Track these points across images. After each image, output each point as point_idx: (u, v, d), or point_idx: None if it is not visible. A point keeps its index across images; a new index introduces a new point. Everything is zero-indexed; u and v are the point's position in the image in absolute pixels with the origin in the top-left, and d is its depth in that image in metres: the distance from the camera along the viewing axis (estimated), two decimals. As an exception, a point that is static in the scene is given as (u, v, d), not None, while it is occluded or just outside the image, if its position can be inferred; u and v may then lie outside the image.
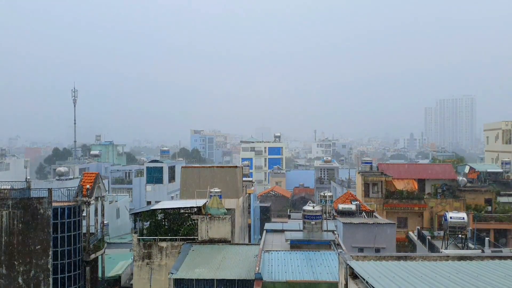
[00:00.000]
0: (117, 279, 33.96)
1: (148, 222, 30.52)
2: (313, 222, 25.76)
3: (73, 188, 31.31)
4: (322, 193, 42.09)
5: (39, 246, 27.38)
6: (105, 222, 35.93)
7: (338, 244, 26.30)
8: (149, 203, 54.46)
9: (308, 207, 26.43)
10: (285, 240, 26.35)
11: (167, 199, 55.22)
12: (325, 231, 26.59)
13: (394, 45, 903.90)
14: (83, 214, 30.31)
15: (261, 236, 30.55)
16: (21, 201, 27.56)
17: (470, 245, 33.33)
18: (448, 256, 13.00)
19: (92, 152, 77.37)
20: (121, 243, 44.74)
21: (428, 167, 52.14)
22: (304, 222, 26.28)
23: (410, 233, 41.71)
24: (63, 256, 27.82)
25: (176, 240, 28.82)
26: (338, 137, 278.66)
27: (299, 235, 26.44)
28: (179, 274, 23.06)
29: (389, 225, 34.23)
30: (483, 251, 29.98)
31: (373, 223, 33.62)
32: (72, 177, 52.56)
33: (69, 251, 28.09)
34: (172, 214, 30.36)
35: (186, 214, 30.46)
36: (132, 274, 30.39)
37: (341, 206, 37.88)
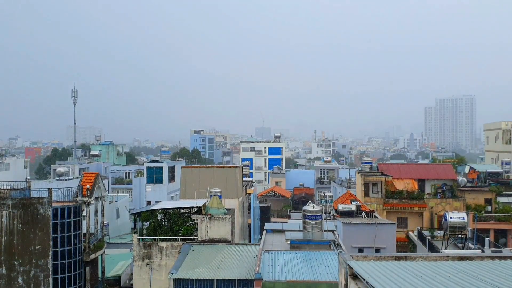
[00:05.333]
0: (117, 279, 33.94)
1: (148, 222, 30.52)
2: (313, 222, 25.74)
3: (73, 188, 31.31)
4: (322, 193, 42.08)
5: (39, 246, 27.37)
6: (105, 222, 35.92)
7: (338, 244, 26.30)
8: (149, 203, 54.44)
9: (308, 207, 26.41)
10: (285, 240, 26.35)
11: (167, 199, 55.21)
12: (325, 231, 26.57)
13: (394, 46, 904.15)
14: (83, 214, 30.31)
15: (261, 236, 30.55)
16: (21, 201, 27.55)
17: (470, 245, 33.32)
18: (448, 256, 12.99)
19: (92, 152, 77.30)
20: (121, 243, 44.72)
21: (428, 167, 52.09)
22: (304, 222, 26.26)
23: (410, 233, 41.70)
24: (63, 256, 27.81)
25: (176, 240, 28.82)
26: (338, 137, 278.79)
27: (299, 235, 26.43)
28: (179, 274, 23.06)
29: (389, 225, 34.21)
30: (483, 251, 29.98)
31: (373, 223, 33.61)
32: (72, 177, 52.51)
33: (69, 251, 28.07)
34: (172, 214, 30.36)
35: (186, 214, 30.46)
36: (132, 274, 30.39)
37: (341, 206, 37.86)
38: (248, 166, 66.38)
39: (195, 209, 30.25)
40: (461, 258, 12.84)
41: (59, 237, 27.77)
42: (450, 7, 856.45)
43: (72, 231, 28.34)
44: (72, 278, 28.16)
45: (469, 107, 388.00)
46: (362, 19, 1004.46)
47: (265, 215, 56.41)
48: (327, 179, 73.08)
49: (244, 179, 48.01)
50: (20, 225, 27.41)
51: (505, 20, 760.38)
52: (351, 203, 38.54)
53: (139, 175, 65.82)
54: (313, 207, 26.29)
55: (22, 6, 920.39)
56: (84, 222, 30.42)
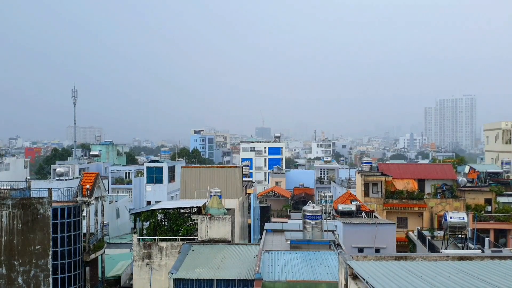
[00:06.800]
0: (117, 279, 33.95)
1: (148, 222, 30.52)
2: (313, 222, 25.72)
3: (73, 188, 31.31)
4: (322, 193, 42.05)
5: (39, 246, 27.37)
6: (105, 222, 35.91)
7: (338, 244, 26.29)
8: (149, 203, 54.39)
9: (308, 207, 26.39)
10: (285, 240, 26.33)
11: (167, 199, 55.16)
12: (325, 231, 26.56)
13: (394, 47, 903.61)
14: (83, 214, 30.30)
15: (261, 236, 30.54)
16: (21, 201, 27.56)
17: (470, 245, 33.30)
18: (448, 256, 12.99)
19: (92, 152, 77.19)
20: (121, 243, 44.72)
21: (428, 167, 52.06)
22: (304, 222, 26.25)
23: (410, 233, 41.67)
24: (63, 256, 27.81)
25: (176, 240, 28.82)
26: (338, 137, 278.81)
27: (299, 235, 26.41)
28: (179, 274, 23.04)
29: (389, 225, 34.19)
30: (483, 251, 29.96)
31: (373, 223, 33.59)
32: (72, 177, 52.44)
33: (69, 251, 28.07)
34: (172, 214, 30.36)
35: (186, 214, 30.46)
36: (132, 274, 30.39)
37: (341, 206, 37.83)
38: (248, 166, 66.32)
39: (195, 209, 30.25)
40: (461, 258, 12.84)
41: (59, 237, 27.77)
42: (451, 9, 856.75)
43: (72, 231, 28.34)
44: (72, 278, 28.16)
45: (469, 107, 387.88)
46: (359, 14, 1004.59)
47: (265, 215, 56.39)
48: (327, 179, 73.05)
49: (244, 179, 48.00)
50: (20, 225, 27.41)
51: (506, 20, 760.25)
52: (351, 203, 38.50)
53: (139, 175, 65.78)
54: (313, 207, 26.27)
55: (22, 5, 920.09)
56: (84, 222, 30.42)
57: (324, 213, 32.12)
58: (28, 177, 68.82)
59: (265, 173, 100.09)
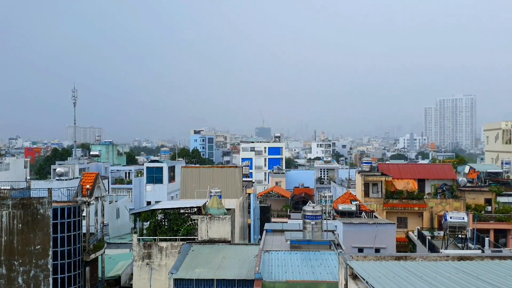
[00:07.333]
0: (117, 279, 33.95)
1: (148, 222, 30.53)
2: (313, 222, 25.72)
3: (73, 188, 31.33)
4: (322, 193, 42.06)
5: (39, 246, 27.38)
6: (105, 222, 35.92)
7: (338, 244, 26.30)
8: (149, 203, 54.35)
9: (308, 207, 26.39)
10: (285, 240, 26.34)
11: (167, 199, 55.14)
12: (325, 231, 26.57)
13: (395, 47, 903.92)
14: (83, 214, 30.31)
15: (261, 236, 30.53)
16: (21, 201, 27.57)
17: (470, 245, 33.31)
18: (448, 256, 12.99)
19: (92, 152, 77.16)
20: (121, 243, 44.73)
21: (428, 167, 52.05)
22: (304, 222, 26.25)
23: (410, 233, 41.68)
24: (63, 256, 27.82)
25: (176, 240, 28.82)
26: (338, 137, 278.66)
27: (299, 235, 26.41)
28: (179, 274, 23.04)
29: (389, 225, 34.19)
30: (483, 251, 29.96)
31: (373, 223, 33.59)
32: (72, 177, 52.41)
33: (69, 251, 28.08)
34: (172, 214, 30.36)
35: (186, 214, 30.46)
36: (132, 274, 30.39)
37: (341, 206, 37.82)
38: (248, 166, 66.33)
39: (195, 209, 30.25)
40: (461, 258, 12.84)
41: (59, 237, 27.78)
42: (454, 6, 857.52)
43: (72, 231, 28.35)
44: (72, 278, 28.16)
45: (469, 107, 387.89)
46: (360, 12, 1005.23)
47: (265, 215, 56.38)
48: (327, 179, 73.01)
49: (244, 179, 48.00)
50: (20, 225, 27.42)
51: (506, 20, 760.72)
52: (351, 203, 38.49)
53: (139, 175, 65.78)
54: (313, 207, 26.27)
55: (22, 6, 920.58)
56: (84, 222, 30.43)
57: (324, 213, 32.12)
58: (28, 177, 68.83)
59: (265, 173, 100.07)
